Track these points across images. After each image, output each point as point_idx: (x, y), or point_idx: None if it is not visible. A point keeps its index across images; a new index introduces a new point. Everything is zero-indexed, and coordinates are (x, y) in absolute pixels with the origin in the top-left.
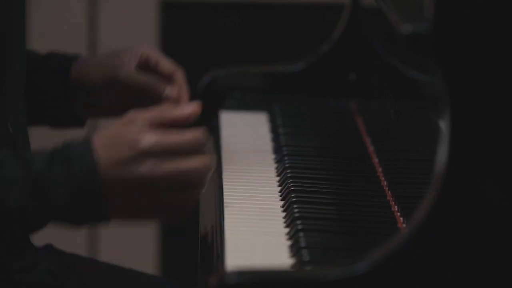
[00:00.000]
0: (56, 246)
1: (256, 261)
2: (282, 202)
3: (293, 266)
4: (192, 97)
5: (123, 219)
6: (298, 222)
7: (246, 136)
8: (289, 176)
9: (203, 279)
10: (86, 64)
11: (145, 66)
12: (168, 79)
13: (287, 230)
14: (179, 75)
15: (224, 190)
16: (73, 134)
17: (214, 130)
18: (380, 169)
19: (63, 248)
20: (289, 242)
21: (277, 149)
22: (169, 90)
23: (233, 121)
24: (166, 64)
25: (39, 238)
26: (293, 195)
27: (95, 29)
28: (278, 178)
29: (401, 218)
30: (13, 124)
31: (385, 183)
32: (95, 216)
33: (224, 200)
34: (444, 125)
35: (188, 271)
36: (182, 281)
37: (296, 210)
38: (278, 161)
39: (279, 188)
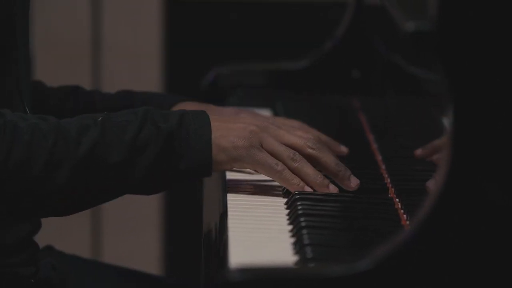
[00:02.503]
0: (59, 247)
1: (260, 259)
2: (285, 199)
3: (296, 263)
4: (195, 95)
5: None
6: (302, 219)
7: None
8: None
9: (207, 277)
10: None
11: None
12: None
13: (290, 227)
14: None
15: (227, 188)
16: None
17: None
18: (383, 166)
19: (66, 250)
20: (292, 239)
21: None
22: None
23: None
24: None
25: (41, 239)
26: (296, 192)
27: (99, 26)
28: None
29: (405, 215)
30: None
31: (389, 180)
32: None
33: (228, 198)
34: (447, 122)
35: (192, 270)
36: (185, 280)
37: (299, 207)
38: None
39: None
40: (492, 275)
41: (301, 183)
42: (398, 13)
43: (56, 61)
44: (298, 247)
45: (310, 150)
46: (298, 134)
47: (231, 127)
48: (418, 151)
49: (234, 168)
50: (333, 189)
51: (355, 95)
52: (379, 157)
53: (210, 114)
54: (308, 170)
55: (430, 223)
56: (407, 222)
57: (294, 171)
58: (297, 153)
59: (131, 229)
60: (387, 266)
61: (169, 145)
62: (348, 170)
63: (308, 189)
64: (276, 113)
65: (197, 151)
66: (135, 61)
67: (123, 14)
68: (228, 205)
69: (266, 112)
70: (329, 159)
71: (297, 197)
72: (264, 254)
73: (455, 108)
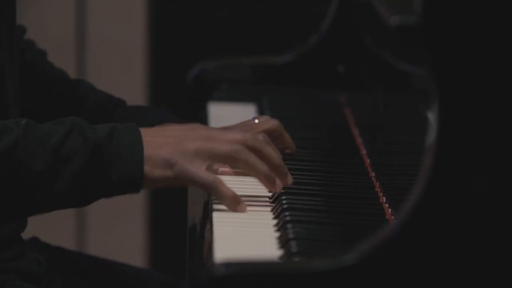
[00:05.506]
0: (44, 239)
1: (245, 253)
2: (270, 194)
3: (281, 258)
4: (181, 89)
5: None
6: (287, 213)
7: None
8: None
9: (192, 271)
10: None
11: None
12: None
13: (275, 221)
14: None
15: None
16: None
17: (202, 122)
18: (368, 161)
19: (51, 241)
20: (277, 234)
21: None
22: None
23: (221, 112)
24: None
25: (26, 231)
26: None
27: (84, 21)
28: None
29: (389, 210)
30: None
31: (373, 174)
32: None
33: None
34: (432, 116)
35: (177, 263)
36: (171, 274)
37: (284, 202)
38: None
39: None
40: (479, 268)
41: (236, 197)
42: (383, 7)
43: None
44: (283, 241)
45: (251, 142)
46: (235, 131)
47: (163, 142)
48: None
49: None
50: (279, 188)
51: (340, 89)
52: (363, 152)
53: (142, 129)
54: (254, 159)
55: (414, 218)
56: (392, 217)
57: (240, 164)
58: (238, 145)
59: (117, 221)
60: (372, 260)
61: (97, 157)
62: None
63: (244, 205)
64: (262, 108)
65: (126, 166)
66: (120, 56)
67: (109, 9)
68: (213, 199)
69: (251, 107)
70: (273, 151)
71: (282, 191)
72: (249, 249)
73: (441, 101)
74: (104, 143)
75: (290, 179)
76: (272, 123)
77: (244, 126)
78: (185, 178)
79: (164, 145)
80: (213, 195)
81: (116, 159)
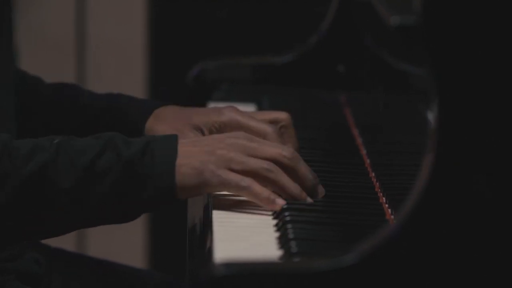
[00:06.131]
0: (44, 241)
1: (245, 253)
2: None
3: (281, 258)
4: (180, 89)
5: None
6: (286, 213)
7: None
8: None
9: (192, 271)
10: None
11: None
12: None
13: (275, 221)
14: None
15: None
16: None
17: None
18: (368, 161)
19: (50, 243)
20: (277, 234)
21: None
22: None
23: None
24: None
25: None
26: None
27: (84, 21)
28: None
29: (389, 210)
30: None
31: (373, 174)
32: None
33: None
34: (432, 116)
35: (177, 264)
36: (170, 274)
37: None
38: None
39: None
40: (479, 268)
41: (272, 196)
42: (383, 7)
43: (41, 57)
44: (283, 241)
45: (286, 161)
46: (273, 144)
47: (197, 151)
48: None
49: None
50: (310, 201)
51: (340, 89)
52: (363, 152)
53: (180, 139)
54: (285, 180)
55: (414, 218)
56: (392, 217)
57: (269, 183)
58: (272, 163)
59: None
60: (372, 261)
61: (128, 173)
62: (318, 181)
63: (280, 202)
64: (261, 108)
65: (158, 178)
66: (120, 56)
67: (109, 9)
68: (213, 199)
69: (251, 107)
70: (306, 170)
71: None
72: (249, 249)
73: (441, 101)
74: (137, 158)
75: (321, 192)
76: (283, 113)
77: (255, 114)
78: (218, 185)
79: (197, 153)
80: (249, 198)
81: (148, 172)
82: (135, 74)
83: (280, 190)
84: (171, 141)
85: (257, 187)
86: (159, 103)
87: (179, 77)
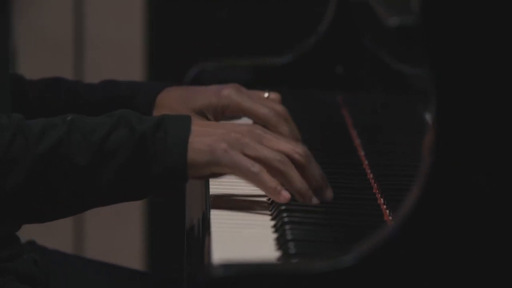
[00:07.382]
0: (41, 243)
1: (243, 254)
2: None
3: (279, 259)
4: None
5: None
6: (285, 214)
7: None
8: None
9: (190, 272)
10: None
11: None
12: None
13: (273, 222)
14: None
15: (210, 182)
16: None
17: None
18: (366, 162)
19: (48, 245)
20: (275, 235)
21: None
22: None
23: None
24: None
25: (23, 234)
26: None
27: (82, 21)
28: None
29: (387, 211)
30: None
31: (372, 175)
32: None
33: (210, 193)
34: (430, 117)
35: (175, 265)
36: (169, 275)
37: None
38: None
39: None
40: (479, 268)
41: (279, 187)
42: (382, 8)
43: (38, 57)
44: (281, 242)
45: (298, 157)
46: (287, 140)
47: (212, 131)
48: None
49: (214, 173)
50: (315, 201)
51: (339, 90)
52: (362, 153)
53: (194, 119)
54: (294, 175)
55: (413, 219)
56: (390, 218)
57: (278, 174)
58: (284, 156)
59: (114, 224)
60: (371, 262)
61: (141, 148)
62: (328, 184)
63: (285, 194)
64: None
65: (171, 153)
66: (119, 56)
67: (107, 9)
68: (211, 200)
69: None
70: (317, 170)
71: None
72: (247, 250)
73: (440, 101)
74: (150, 133)
75: (329, 195)
76: (280, 106)
77: (253, 94)
78: (228, 164)
79: (211, 133)
80: (255, 185)
81: (161, 148)
82: (134, 75)
83: (287, 184)
84: (185, 119)
85: (266, 175)
86: (160, 87)
87: (178, 77)
